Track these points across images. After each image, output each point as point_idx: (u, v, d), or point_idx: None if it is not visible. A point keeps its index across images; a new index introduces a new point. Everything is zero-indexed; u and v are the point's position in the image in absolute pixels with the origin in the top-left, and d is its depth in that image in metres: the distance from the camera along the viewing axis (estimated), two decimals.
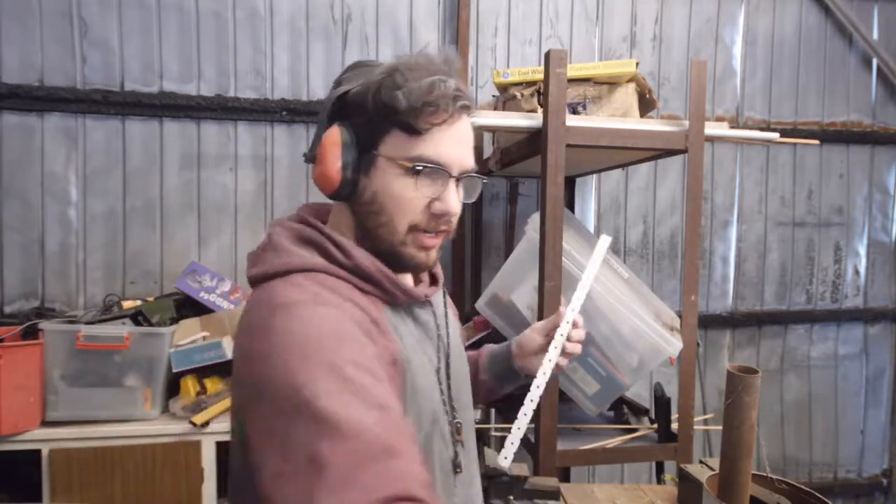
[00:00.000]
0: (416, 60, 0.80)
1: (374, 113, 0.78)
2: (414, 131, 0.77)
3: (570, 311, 1.05)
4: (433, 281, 0.96)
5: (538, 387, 1.01)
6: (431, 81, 0.77)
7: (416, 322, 0.85)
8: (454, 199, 0.81)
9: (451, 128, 0.79)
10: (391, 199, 0.79)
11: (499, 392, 1.13)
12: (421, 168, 0.77)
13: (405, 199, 0.79)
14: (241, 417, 0.71)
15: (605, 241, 1.18)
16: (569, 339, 1.04)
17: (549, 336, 1.06)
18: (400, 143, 0.78)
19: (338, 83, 0.83)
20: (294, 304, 0.70)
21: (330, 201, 0.89)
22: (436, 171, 0.79)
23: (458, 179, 0.81)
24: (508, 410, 2.00)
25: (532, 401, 1.00)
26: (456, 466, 0.86)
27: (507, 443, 0.99)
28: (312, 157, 0.81)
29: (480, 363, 1.12)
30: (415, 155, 0.78)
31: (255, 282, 0.79)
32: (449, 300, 1.02)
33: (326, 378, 0.62)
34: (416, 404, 0.78)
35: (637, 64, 1.83)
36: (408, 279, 0.89)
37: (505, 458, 0.98)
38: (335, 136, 0.79)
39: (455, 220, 0.84)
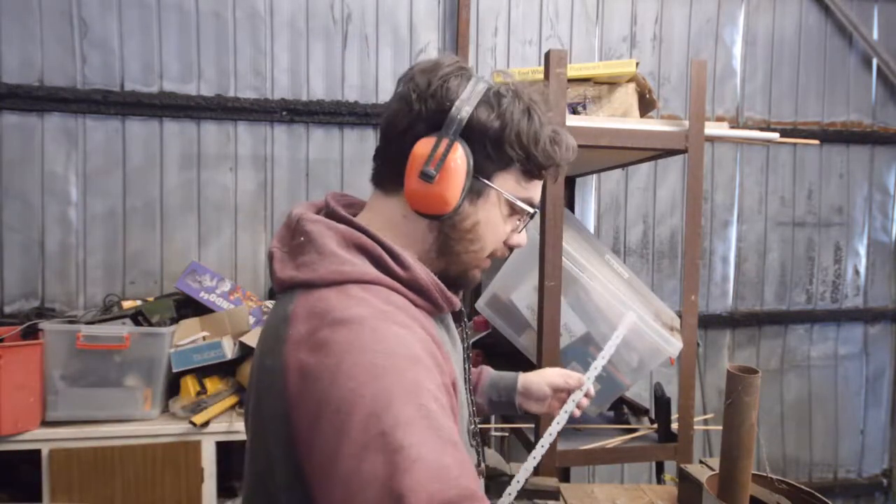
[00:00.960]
0: (541, 98, 0.80)
1: (507, 147, 0.76)
2: (534, 176, 0.80)
3: (588, 380, 1.14)
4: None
5: (550, 434, 1.11)
6: (566, 137, 0.81)
7: (449, 332, 0.84)
8: (526, 234, 0.87)
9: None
10: (492, 231, 0.80)
11: (484, 413, 1.20)
12: (534, 212, 0.83)
13: (501, 232, 0.82)
14: (285, 434, 0.64)
15: (629, 319, 1.29)
16: (578, 405, 1.13)
17: (558, 390, 1.14)
18: (514, 180, 0.79)
19: (448, 94, 0.75)
20: (362, 319, 0.65)
21: (346, 192, 0.89)
22: (529, 212, 0.83)
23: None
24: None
25: (542, 447, 1.10)
26: (480, 472, 0.91)
27: (514, 481, 1.08)
28: (432, 174, 0.72)
29: (479, 384, 1.16)
30: (527, 197, 0.81)
31: (294, 286, 0.72)
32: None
33: (404, 407, 0.58)
34: (461, 419, 0.77)
35: (637, 64, 1.83)
36: None
37: (509, 494, 1.08)
38: (464, 158, 0.74)
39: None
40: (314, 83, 2.42)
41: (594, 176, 2.68)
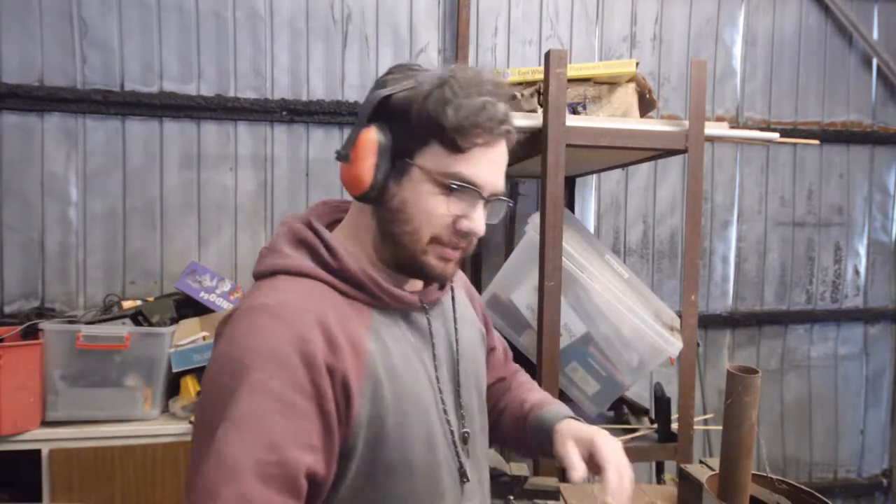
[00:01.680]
0: (468, 76, 0.79)
1: (417, 122, 0.77)
2: (455, 149, 0.77)
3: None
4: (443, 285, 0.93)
5: None
6: (483, 102, 0.77)
7: (410, 327, 0.85)
8: (481, 221, 0.82)
9: (490, 150, 0.80)
10: (420, 211, 0.79)
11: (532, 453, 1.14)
12: (456, 186, 0.78)
13: (435, 213, 0.79)
14: None
15: None
16: None
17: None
18: (438, 157, 0.78)
19: (380, 84, 0.82)
20: (255, 309, 0.73)
21: (343, 199, 0.91)
22: (469, 191, 0.79)
23: (486, 201, 0.82)
24: None
25: None
26: (462, 476, 0.86)
27: None
28: (346, 155, 0.79)
29: (527, 422, 1.02)
30: (452, 172, 0.78)
31: (255, 279, 0.83)
32: (466, 300, 1.02)
33: (239, 404, 0.67)
34: (400, 410, 0.77)
35: (637, 64, 1.83)
36: (414, 284, 0.89)
37: None
38: (372, 137, 0.78)
39: (476, 239, 0.84)
40: (314, 83, 2.42)
41: (594, 176, 2.68)
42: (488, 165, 0.80)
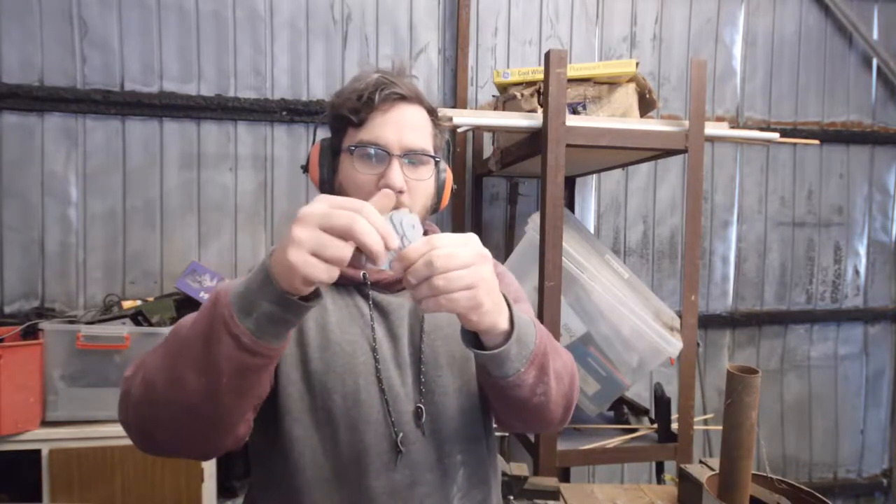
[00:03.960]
0: (366, 69, 0.96)
1: (333, 119, 0.94)
2: (354, 123, 0.90)
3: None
4: None
5: None
6: (355, 77, 0.94)
7: (365, 300, 0.93)
8: (396, 175, 0.87)
9: (386, 114, 0.90)
10: (348, 183, 0.91)
11: (500, 387, 0.96)
12: (354, 148, 0.89)
13: (356, 180, 0.89)
14: None
15: None
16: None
17: None
18: (349, 136, 0.92)
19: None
20: None
21: None
22: (375, 152, 0.88)
23: (403, 158, 0.89)
24: None
25: None
26: (397, 445, 0.87)
27: None
28: (305, 166, 0.98)
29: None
30: (356, 141, 0.90)
31: None
32: None
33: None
34: (324, 359, 0.87)
35: (637, 64, 1.83)
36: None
37: None
38: (317, 145, 0.97)
39: (406, 198, 0.88)
40: (314, 83, 2.42)
41: (594, 176, 2.68)
42: (387, 126, 0.89)
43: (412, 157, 0.90)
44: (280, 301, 0.65)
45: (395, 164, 0.88)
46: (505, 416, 0.93)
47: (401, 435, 0.88)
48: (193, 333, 0.69)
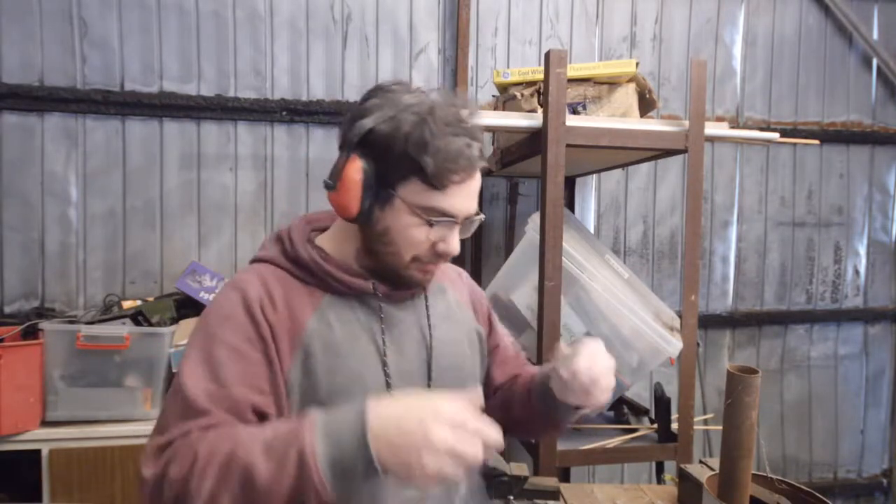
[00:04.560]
0: (446, 114, 0.83)
1: (399, 160, 0.83)
2: (434, 187, 0.84)
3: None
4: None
5: None
6: (459, 148, 0.83)
7: (368, 313, 0.92)
8: (456, 242, 0.89)
9: (465, 184, 0.87)
10: (402, 237, 0.87)
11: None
12: (435, 221, 0.86)
13: (415, 240, 0.87)
14: None
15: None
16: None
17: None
18: (418, 191, 0.84)
19: (362, 112, 0.86)
20: (228, 286, 0.90)
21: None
22: (447, 221, 0.87)
23: (461, 224, 0.90)
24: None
25: None
26: None
27: None
28: (332, 185, 0.87)
29: (532, 385, 1.03)
30: (431, 206, 0.85)
31: None
32: (464, 302, 1.06)
33: (200, 349, 0.82)
34: (331, 382, 0.85)
35: (637, 64, 1.83)
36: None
37: None
38: (358, 170, 0.84)
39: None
40: (314, 83, 2.42)
41: (594, 176, 2.68)
42: (463, 197, 0.87)
43: (468, 220, 0.91)
44: (376, 474, 0.67)
45: (456, 232, 0.89)
46: (521, 430, 1.12)
47: None
48: (276, 492, 0.67)
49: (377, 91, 0.88)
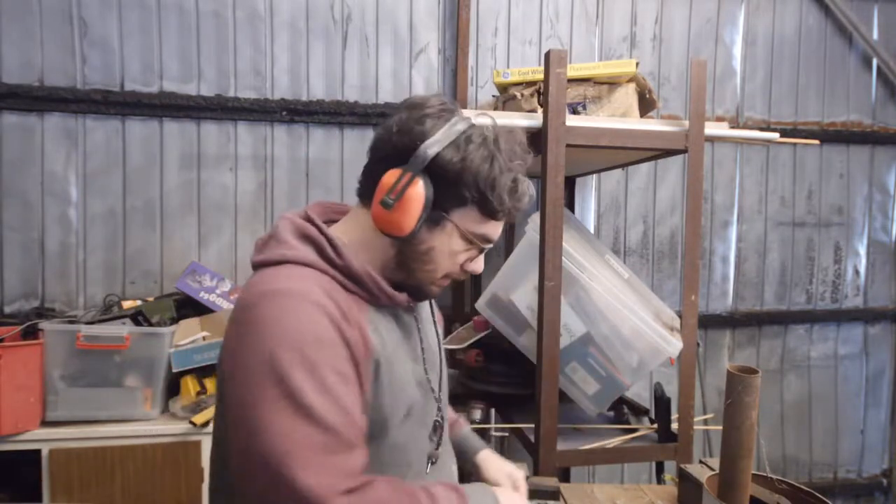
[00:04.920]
0: (510, 148, 0.89)
1: (465, 188, 0.85)
2: (490, 217, 0.89)
3: None
4: None
5: None
6: (523, 187, 0.91)
7: (398, 323, 0.94)
8: (481, 266, 0.96)
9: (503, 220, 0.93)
10: (444, 257, 0.90)
11: None
12: (484, 246, 0.92)
13: (455, 260, 0.91)
14: (222, 390, 0.84)
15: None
16: None
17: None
18: (473, 218, 0.89)
19: (421, 133, 0.85)
20: (279, 294, 0.79)
21: (337, 201, 1.00)
22: (487, 245, 0.93)
23: None
24: (508, 411, 2.00)
25: None
26: (430, 458, 0.97)
27: None
28: (391, 203, 0.83)
29: (453, 432, 1.20)
30: (482, 234, 0.90)
31: (255, 268, 0.89)
32: (437, 311, 1.12)
33: (305, 374, 0.74)
34: (392, 394, 0.86)
35: (637, 64, 1.83)
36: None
37: None
38: (421, 194, 0.83)
39: None
40: (314, 83, 2.42)
41: (594, 176, 2.68)
42: (500, 227, 0.93)
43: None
44: None
45: (483, 256, 0.96)
46: None
47: (438, 449, 0.99)
48: None
49: (426, 108, 0.87)
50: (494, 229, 0.92)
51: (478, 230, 0.89)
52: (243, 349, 0.77)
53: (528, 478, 1.30)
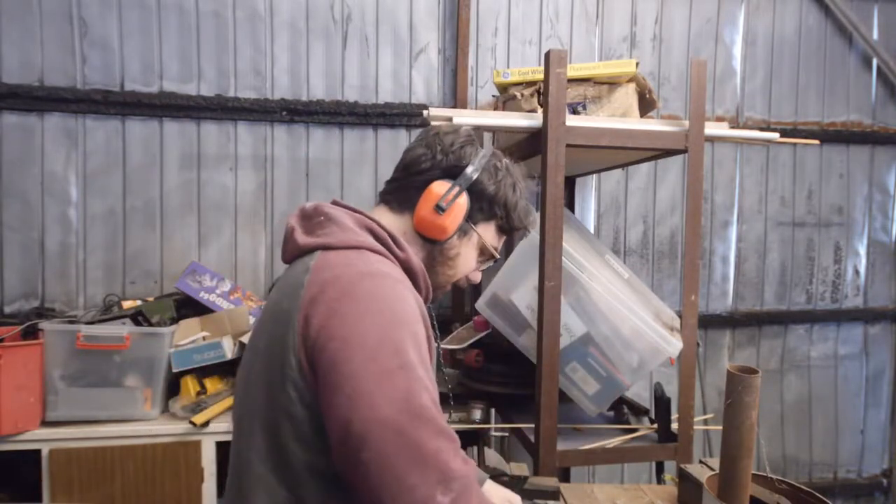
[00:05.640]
0: (524, 183, 1.10)
1: (491, 207, 1.04)
2: (504, 233, 1.09)
3: None
4: None
5: None
6: (532, 210, 1.12)
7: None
8: (480, 274, 1.13)
9: None
10: (465, 264, 1.06)
11: None
12: (497, 257, 1.09)
13: (471, 268, 1.08)
14: (299, 364, 0.79)
15: None
16: None
17: None
18: (491, 232, 1.07)
19: (463, 156, 1.01)
20: (380, 275, 0.84)
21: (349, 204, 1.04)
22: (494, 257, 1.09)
23: None
24: (508, 411, 2.00)
25: None
26: None
27: None
28: (444, 208, 0.98)
29: None
30: (496, 247, 1.09)
31: (314, 249, 0.90)
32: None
33: (413, 348, 0.79)
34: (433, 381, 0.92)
35: (637, 64, 1.83)
36: None
37: None
38: (464, 205, 1.01)
39: None
40: (314, 83, 2.42)
41: (594, 176, 2.68)
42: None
43: None
44: None
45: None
46: None
47: None
48: None
49: (461, 135, 1.04)
50: (500, 243, 1.10)
51: (495, 244, 1.08)
52: (351, 321, 0.78)
53: (527, 478, 1.30)
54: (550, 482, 1.35)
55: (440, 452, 0.73)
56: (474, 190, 1.01)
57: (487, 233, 1.06)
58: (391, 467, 0.71)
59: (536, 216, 1.11)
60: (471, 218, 1.03)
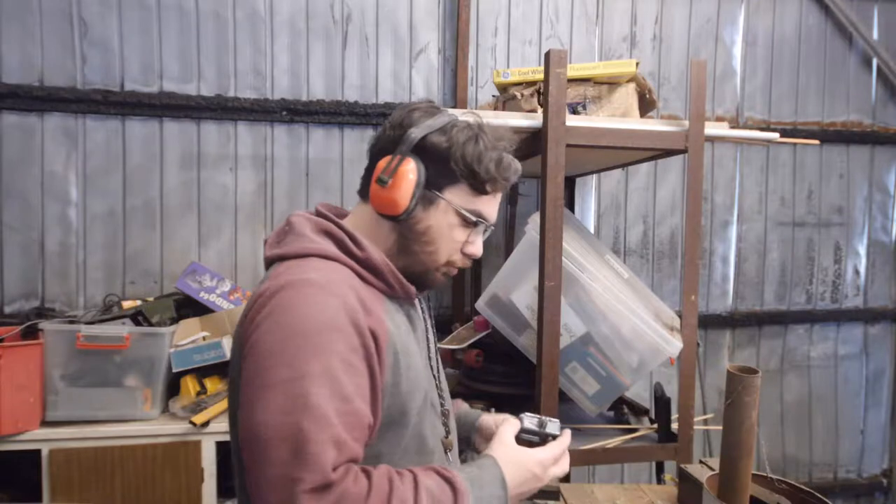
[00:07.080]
0: (493, 130, 0.96)
1: (453, 165, 0.92)
2: (481, 192, 0.95)
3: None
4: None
5: None
6: (508, 160, 0.95)
7: (408, 317, 0.97)
8: (481, 245, 1.00)
9: (498, 195, 0.99)
10: (443, 238, 0.95)
11: None
12: (477, 221, 0.95)
13: (454, 240, 0.96)
14: (237, 369, 0.85)
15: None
16: None
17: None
18: (464, 195, 0.94)
19: (410, 122, 0.94)
20: (301, 284, 0.82)
21: (337, 205, 1.05)
22: (482, 224, 0.97)
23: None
24: (509, 411, 2.00)
25: None
26: (446, 447, 0.99)
27: None
28: (386, 181, 0.90)
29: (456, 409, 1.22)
30: (474, 209, 0.95)
31: (273, 261, 0.92)
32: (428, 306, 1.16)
33: (313, 362, 0.76)
34: (409, 380, 0.89)
35: (637, 64, 1.83)
36: None
37: None
38: (412, 170, 0.91)
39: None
40: (314, 83, 2.42)
41: (594, 176, 2.68)
42: (495, 205, 0.99)
43: (489, 227, 1.00)
44: None
45: (481, 236, 1.00)
46: None
47: (449, 435, 1.02)
48: None
49: (414, 106, 0.96)
50: (487, 206, 0.96)
51: (471, 206, 0.95)
52: (259, 333, 0.80)
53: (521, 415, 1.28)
54: (550, 482, 1.35)
55: (298, 483, 0.70)
56: (426, 153, 0.92)
57: (458, 197, 0.94)
58: (255, 479, 0.74)
59: (518, 165, 0.97)
60: (431, 184, 0.92)
